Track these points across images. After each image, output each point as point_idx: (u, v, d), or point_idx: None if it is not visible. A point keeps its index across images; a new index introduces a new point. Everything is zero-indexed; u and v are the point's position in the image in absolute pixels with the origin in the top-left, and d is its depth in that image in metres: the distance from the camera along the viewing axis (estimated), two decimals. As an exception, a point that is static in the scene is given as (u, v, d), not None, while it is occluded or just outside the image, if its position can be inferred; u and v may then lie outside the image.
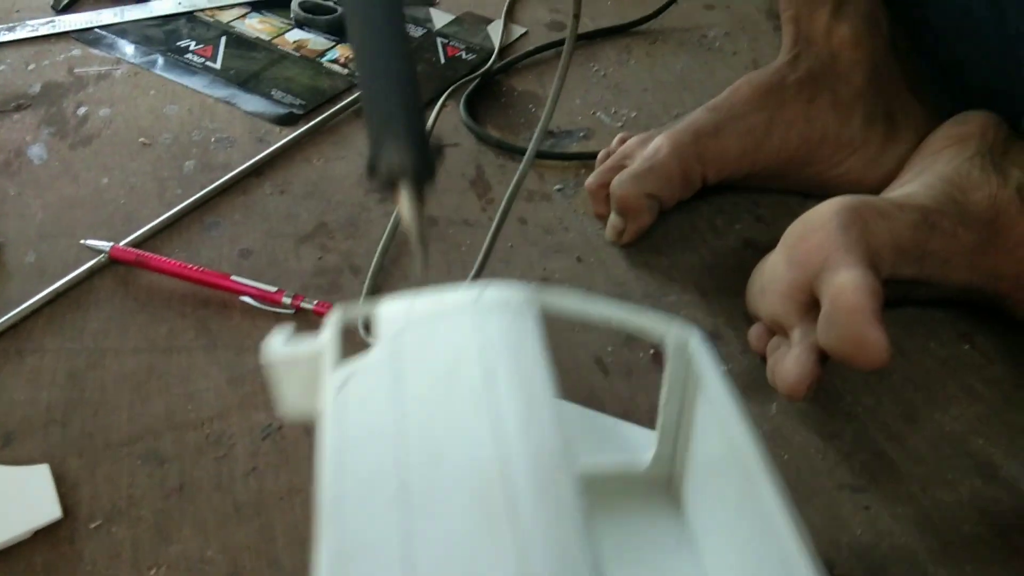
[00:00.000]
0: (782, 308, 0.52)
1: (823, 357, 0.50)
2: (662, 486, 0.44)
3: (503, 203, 0.63)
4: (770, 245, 0.57)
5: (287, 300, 0.58)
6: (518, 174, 0.63)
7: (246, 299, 0.59)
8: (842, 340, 0.47)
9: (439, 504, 0.26)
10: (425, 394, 0.30)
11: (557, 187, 0.71)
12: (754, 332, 0.56)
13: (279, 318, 0.58)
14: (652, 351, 0.57)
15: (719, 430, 0.37)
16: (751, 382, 0.55)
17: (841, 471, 0.50)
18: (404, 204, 0.19)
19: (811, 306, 0.51)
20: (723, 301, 0.61)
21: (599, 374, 0.56)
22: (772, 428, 0.53)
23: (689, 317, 0.60)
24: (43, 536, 0.45)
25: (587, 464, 0.41)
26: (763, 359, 0.55)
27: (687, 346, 0.39)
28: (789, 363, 0.50)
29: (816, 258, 0.50)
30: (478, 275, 0.58)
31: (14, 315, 0.56)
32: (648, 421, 0.53)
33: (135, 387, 0.53)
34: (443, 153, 0.20)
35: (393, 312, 0.34)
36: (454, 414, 0.29)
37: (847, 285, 0.47)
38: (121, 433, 0.51)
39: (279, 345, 0.34)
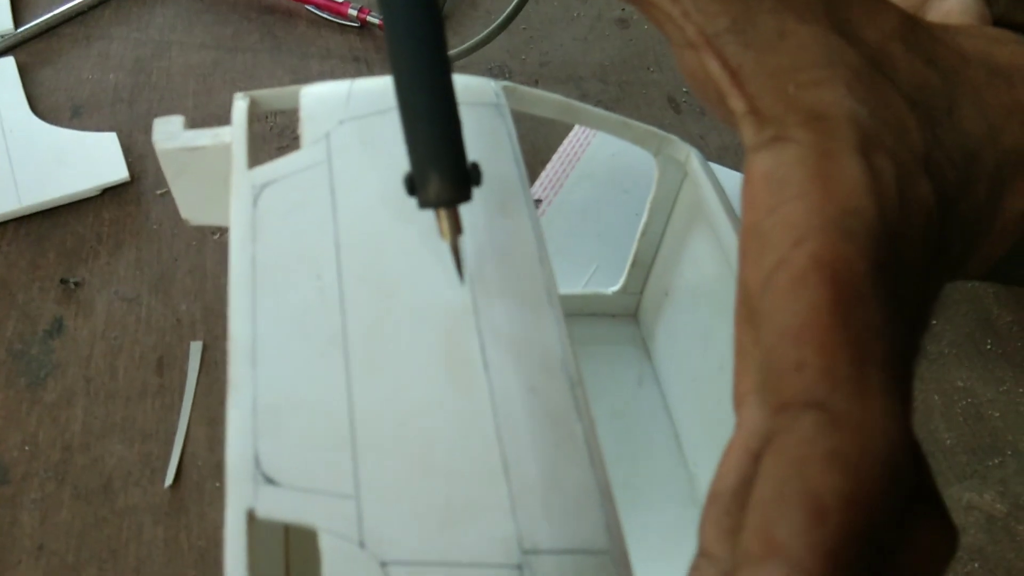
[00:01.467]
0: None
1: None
2: (628, 316, 0.42)
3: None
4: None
5: (353, 12, 0.56)
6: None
7: (312, 8, 0.57)
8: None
9: (391, 348, 0.21)
10: (368, 212, 0.24)
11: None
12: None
13: (344, 31, 0.56)
14: (730, 94, 0.55)
15: (716, 255, 0.32)
16: (831, 131, 0.53)
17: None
18: (444, 225, 0.22)
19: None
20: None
21: (671, 112, 0.54)
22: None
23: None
24: (111, 196, 0.46)
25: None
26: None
27: (684, 166, 0.33)
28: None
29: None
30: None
31: (82, 2, 0.55)
32: (717, 159, 0.51)
33: (200, 78, 0.53)
34: (480, 173, 0.22)
35: (323, 102, 0.26)
36: (406, 239, 0.23)
37: (955, 8, 0.44)
38: (187, 116, 0.50)
39: (173, 131, 0.27)
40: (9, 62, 0.51)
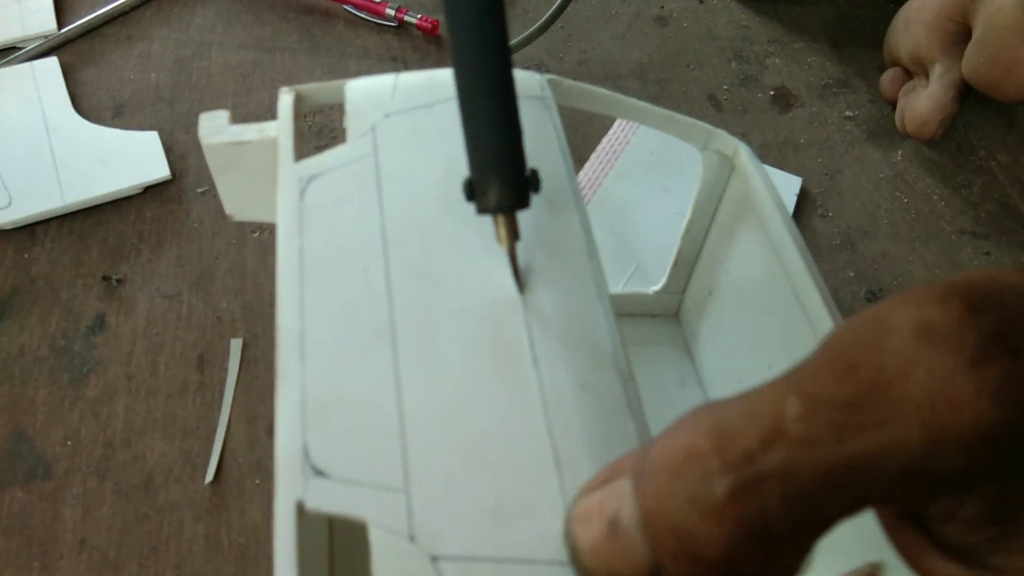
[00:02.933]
0: (926, 40, 0.47)
1: (962, 95, 0.46)
2: (670, 316, 0.41)
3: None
4: (918, -8, 0.51)
5: (390, 12, 0.56)
6: None
7: (349, 8, 0.57)
8: (993, 62, 0.42)
9: (439, 342, 0.21)
10: (414, 205, 0.24)
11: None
12: (887, 77, 0.52)
13: (381, 31, 0.56)
14: (772, 92, 0.54)
15: (765, 251, 0.31)
16: (877, 129, 0.52)
17: (964, 219, 0.47)
18: (502, 231, 0.22)
19: (959, 38, 0.46)
20: (855, 51, 0.56)
21: (712, 110, 0.53)
22: (894, 173, 0.49)
23: (818, 65, 0.55)
24: (153, 194, 0.46)
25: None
26: (893, 106, 0.51)
27: (732, 160, 0.32)
28: (924, 98, 0.47)
29: (977, -21, 0.45)
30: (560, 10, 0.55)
31: (124, 3, 0.56)
32: (760, 158, 0.50)
33: (240, 78, 0.53)
34: (539, 180, 0.23)
35: (368, 96, 0.26)
36: (453, 233, 0.23)
37: (1007, 3, 0.43)
38: (226, 115, 0.51)
39: (219, 125, 0.27)
40: (53, 62, 0.51)
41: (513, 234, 0.22)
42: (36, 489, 0.37)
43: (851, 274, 0.45)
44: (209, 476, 0.37)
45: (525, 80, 0.28)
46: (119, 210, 0.46)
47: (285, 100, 0.27)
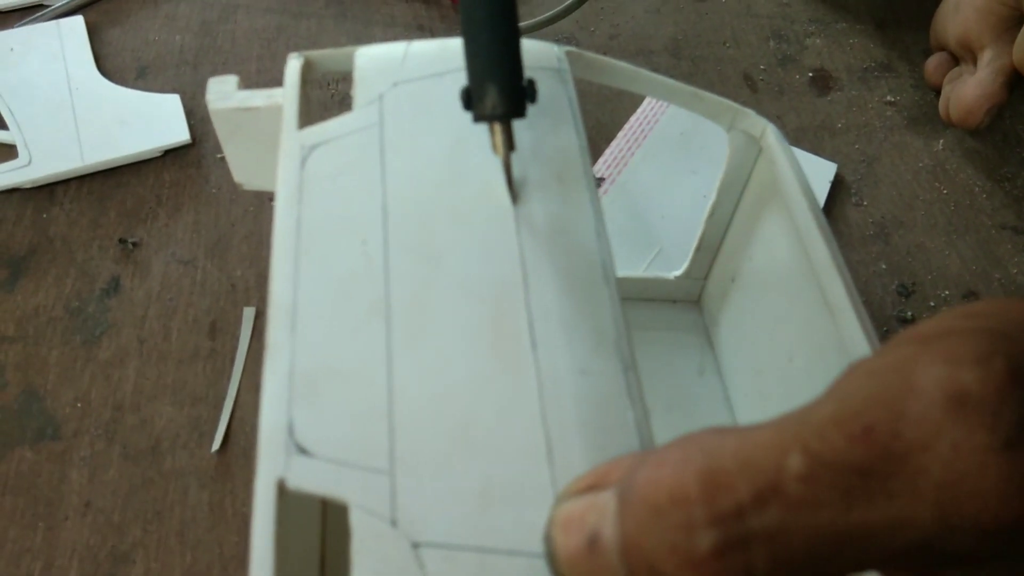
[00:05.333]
0: (976, 25, 0.45)
1: (1011, 83, 0.44)
2: (691, 302, 0.40)
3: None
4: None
5: (422, -20, 0.55)
6: None
7: (380, -24, 0.56)
8: (1048, 50, 0.40)
9: (435, 321, 0.20)
10: (419, 177, 0.23)
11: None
12: (933, 62, 0.50)
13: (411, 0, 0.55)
14: (811, 73, 0.52)
15: (790, 238, 0.30)
16: (919, 116, 0.49)
17: (1006, 213, 0.45)
18: (497, 140, 0.22)
19: (1011, 23, 0.44)
20: (901, 34, 0.54)
21: (747, 90, 0.51)
22: (935, 163, 0.47)
23: (860, 47, 0.53)
24: (172, 157, 0.46)
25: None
26: (937, 93, 0.49)
27: (759, 142, 0.31)
28: (970, 85, 0.44)
29: (1034, -41, 0.42)
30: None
31: (152, -35, 0.56)
32: (795, 141, 0.48)
33: (265, 43, 0.52)
34: (536, 91, 0.23)
35: (377, 63, 0.26)
36: (459, 206, 0.22)
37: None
38: (250, 80, 0.50)
39: (227, 91, 0.27)
40: (78, 21, 0.51)
41: (508, 143, 0.22)
42: (45, 449, 0.37)
43: (883, 266, 0.43)
44: (216, 444, 0.37)
45: (542, 51, 0.26)
46: (138, 172, 0.45)
47: (292, 66, 0.26)
